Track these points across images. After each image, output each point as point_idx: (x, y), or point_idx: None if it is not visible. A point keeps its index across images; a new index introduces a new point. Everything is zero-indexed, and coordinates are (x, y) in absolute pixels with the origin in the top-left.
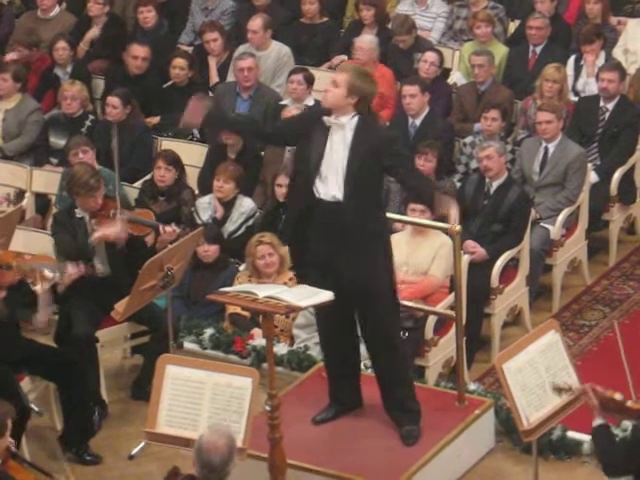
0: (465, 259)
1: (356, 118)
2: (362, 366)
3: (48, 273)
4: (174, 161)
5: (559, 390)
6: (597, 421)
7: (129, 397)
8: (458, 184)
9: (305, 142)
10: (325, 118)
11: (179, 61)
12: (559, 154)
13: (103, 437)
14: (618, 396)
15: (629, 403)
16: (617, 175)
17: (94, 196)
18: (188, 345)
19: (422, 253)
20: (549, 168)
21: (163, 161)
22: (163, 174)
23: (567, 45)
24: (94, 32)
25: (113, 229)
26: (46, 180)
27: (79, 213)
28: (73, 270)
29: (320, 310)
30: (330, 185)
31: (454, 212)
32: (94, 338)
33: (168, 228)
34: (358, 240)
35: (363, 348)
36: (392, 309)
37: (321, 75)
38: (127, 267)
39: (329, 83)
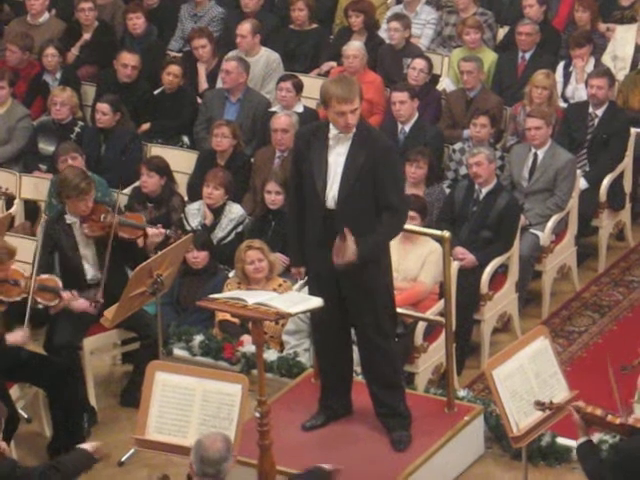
0: (455, 265)
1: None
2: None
3: (50, 297)
4: (156, 167)
5: (541, 406)
6: (581, 439)
7: (119, 404)
8: (447, 190)
9: (307, 161)
10: (335, 133)
11: (174, 68)
12: (548, 160)
13: None
14: (599, 412)
15: (609, 418)
16: (606, 181)
17: (85, 199)
18: (178, 352)
19: (411, 259)
20: (538, 174)
21: (145, 167)
22: (145, 180)
23: (556, 51)
24: (85, 39)
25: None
26: (35, 186)
27: (69, 219)
28: (66, 297)
29: (316, 317)
30: (331, 194)
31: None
32: (75, 347)
33: (153, 230)
34: None
35: (355, 354)
36: (388, 316)
37: (310, 82)
38: (118, 275)
39: (349, 113)
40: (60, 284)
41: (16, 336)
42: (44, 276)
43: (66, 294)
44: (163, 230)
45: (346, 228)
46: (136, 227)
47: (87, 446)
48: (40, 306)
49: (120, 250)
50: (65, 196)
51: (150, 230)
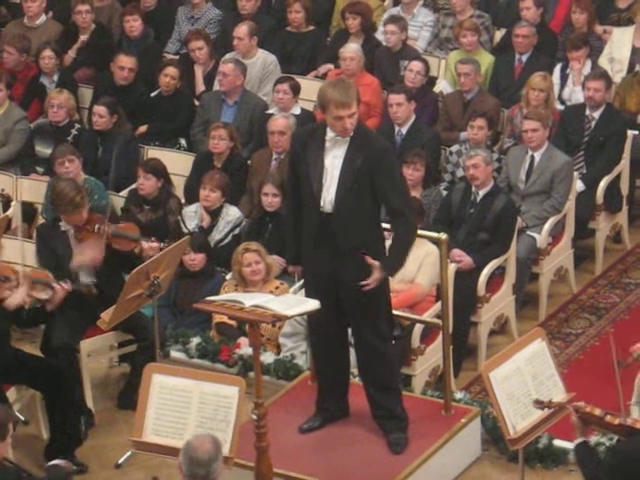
0: (452, 268)
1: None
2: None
3: (43, 290)
4: (153, 170)
5: (540, 404)
6: (578, 439)
7: (116, 406)
8: (444, 192)
9: (304, 163)
10: (332, 135)
11: (171, 70)
12: (545, 163)
13: (89, 446)
14: (598, 411)
15: (608, 418)
16: (603, 184)
17: (80, 212)
18: (175, 354)
19: (408, 262)
20: (535, 177)
21: (142, 170)
22: (142, 182)
23: (553, 54)
24: (82, 41)
25: (89, 254)
26: (32, 189)
27: (64, 226)
28: (61, 289)
29: (313, 320)
30: (327, 196)
31: (375, 277)
32: (73, 348)
33: (148, 245)
34: (353, 251)
35: (352, 356)
36: (385, 319)
37: (307, 84)
38: (114, 279)
39: (347, 118)
40: (51, 277)
41: (16, 297)
42: (37, 271)
43: (59, 286)
44: (157, 244)
45: (367, 257)
46: (130, 239)
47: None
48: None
49: (116, 259)
50: (61, 210)
51: (144, 244)
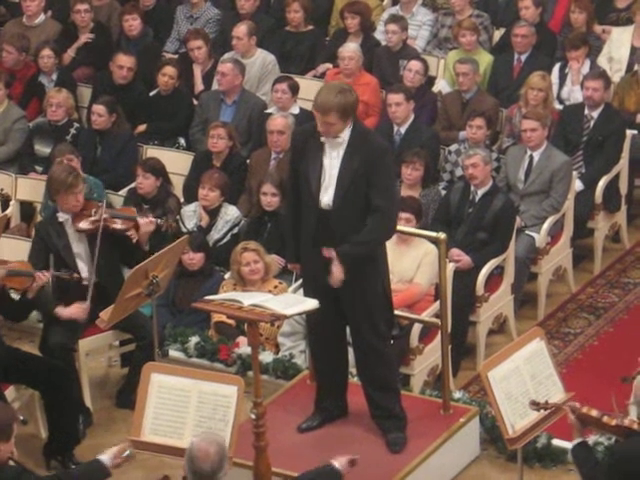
0: (450, 267)
1: (349, 130)
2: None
3: (26, 279)
4: (152, 169)
5: (536, 406)
6: (576, 440)
7: (114, 405)
8: (443, 192)
9: (304, 161)
10: (324, 139)
11: (169, 69)
12: (544, 162)
13: (88, 445)
14: (595, 412)
15: (605, 419)
16: (602, 183)
17: (74, 193)
18: (173, 353)
19: (407, 261)
20: (534, 176)
21: (141, 169)
22: (141, 181)
23: (552, 53)
24: (82, 40)
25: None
26: (31, 188)
27: (61, 217)
28: (40, 277)
29: (311, 318)
30: (326, 194)
31: (335, 274)
32: (70, 348)
33: (144, 220)
34: None
35: (350, 356)
36: (384, 318)
37: (306, 83)
38: (115, 272)
39: (323, 123)
40: (30, 266)
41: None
42: (14, 261)
43: (39, 274)
44: (154, 219)
45: (325, 249)
46: (127, 218)
47: (105, 458)
48: (16, 295)
49: (115, 246)
50: (54, 192)
51: (141, 220)
